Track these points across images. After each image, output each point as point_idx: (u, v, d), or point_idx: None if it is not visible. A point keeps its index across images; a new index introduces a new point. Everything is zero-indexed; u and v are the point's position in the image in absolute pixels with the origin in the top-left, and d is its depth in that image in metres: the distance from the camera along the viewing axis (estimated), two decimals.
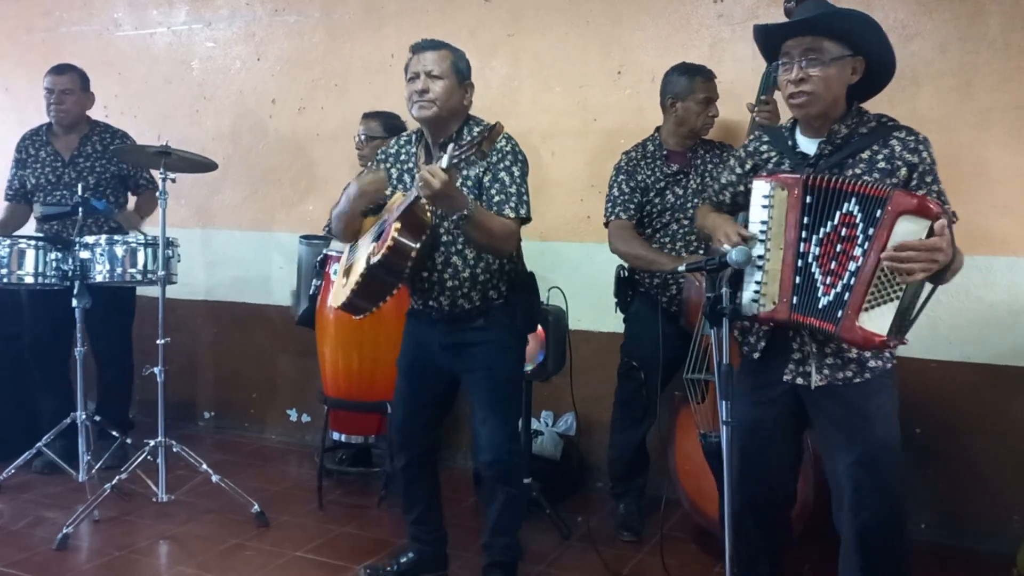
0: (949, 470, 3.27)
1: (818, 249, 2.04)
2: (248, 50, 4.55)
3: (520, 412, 2.90)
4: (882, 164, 2.08)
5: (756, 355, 2.25)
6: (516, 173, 2.53)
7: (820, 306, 2.02)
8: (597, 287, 3.56)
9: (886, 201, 1.93)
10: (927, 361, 3.24)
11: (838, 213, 2.01)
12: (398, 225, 2.36)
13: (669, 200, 3.19)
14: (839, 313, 1.98)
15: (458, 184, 2.44)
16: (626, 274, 3.28)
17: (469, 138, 2.31)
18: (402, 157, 2.70)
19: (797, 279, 2.05)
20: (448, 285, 2.57)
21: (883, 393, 2.14)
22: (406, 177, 2.66)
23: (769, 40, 2.18)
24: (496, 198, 2.51)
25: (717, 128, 3.33)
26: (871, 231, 1.95)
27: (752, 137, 2.39)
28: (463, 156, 2.23)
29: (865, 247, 1.96)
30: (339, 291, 2.60)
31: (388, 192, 2.65)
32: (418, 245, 2.40)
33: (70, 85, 3.95)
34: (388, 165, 2.70)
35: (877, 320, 1.95)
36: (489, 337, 2.61)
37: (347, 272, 2.62)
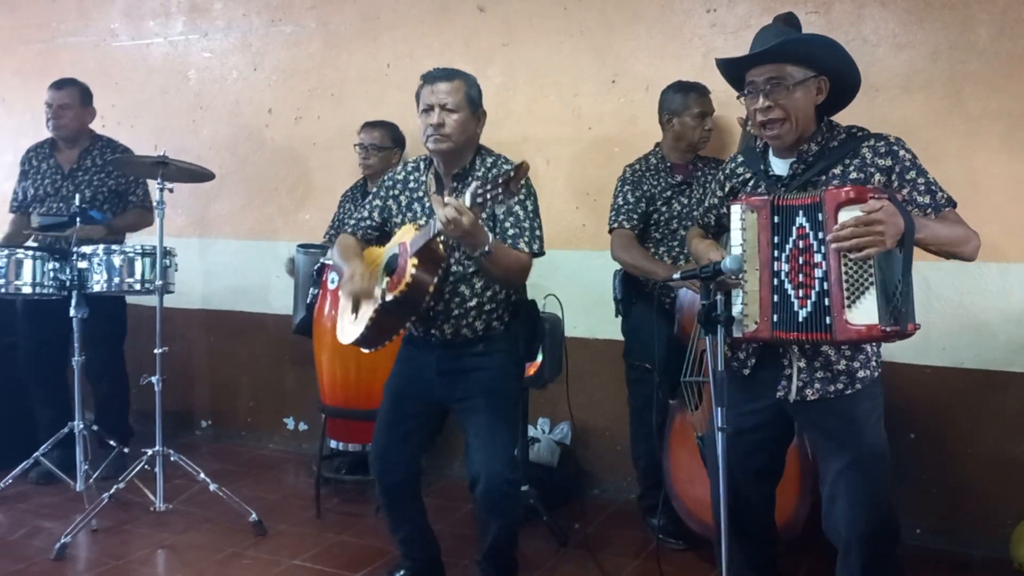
0: (943, 475, 3.29)
1: (787, 266, 2.07)
2: (244, 60, 4.57)
3: (519, 439, 2.85)
4: (854, 175, 2.11)
5: (746, 371, 2.27)
6: (530, 207, 2.53)
7: (800, 320, 2.04)
8: (593, 294, 3.58)
9: (822, 202, 1.99)
10: (920, 367, 3.26)
11: (794, 228, 2.06)
12: (415, 261, 2.33)
13: (676, 209, 3.27)
14: (827, 320, 1.99)
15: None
16: (629, 277, 3.30)
17: (493, 176, 2.24)
18: (411, 185, 2.67)
19: (775, 297, 2.08)
20: (454, 314, 2.55)
21: (870, 400, 2.17)
22: (415, 206, 2.63)
23: (734, 70, 2.21)
24: (511, 231, 2.50)
25: (713, 138, 3.36)
26: (820, 235, 2.00)
27: (729, 159, 2.44)
28: (490, 195, 2.15)
29: (823, 251, 2.00)
30: (349, 327, 2.57)
31: (397, 221, 2.63)
32: (435, 280, 2.37)
33: (68, 100, 3.97)
34: (396, 192, 2.68)
35: (864, 311, 1.95)
36: (489, 363, 2.58)
37: (355, 307, 2.57)
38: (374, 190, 2.77)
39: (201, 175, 3.60)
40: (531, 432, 3.78)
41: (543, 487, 3.48)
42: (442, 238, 2.34)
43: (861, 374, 2.15)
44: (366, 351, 2.59)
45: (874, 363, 2.18)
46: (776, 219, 2.09)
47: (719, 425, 2.13)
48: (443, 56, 3.94)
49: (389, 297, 2.37)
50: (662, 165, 3.32)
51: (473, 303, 2.54)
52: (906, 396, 3.20)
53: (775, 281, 2.08)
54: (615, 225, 3.28)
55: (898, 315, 1.96)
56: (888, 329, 1.95)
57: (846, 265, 1.96)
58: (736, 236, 2.14)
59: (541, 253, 2.55)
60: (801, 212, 2.05)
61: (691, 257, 2.52)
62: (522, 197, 2.52)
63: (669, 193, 3.28)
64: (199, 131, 4.68)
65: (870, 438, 2.14)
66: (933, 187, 2.11)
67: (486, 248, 2.30)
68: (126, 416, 4.11)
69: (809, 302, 2.03)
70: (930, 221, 2.04)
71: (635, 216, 3.25)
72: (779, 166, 2.23)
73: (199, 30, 4.68)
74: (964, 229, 2.10)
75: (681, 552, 3.18)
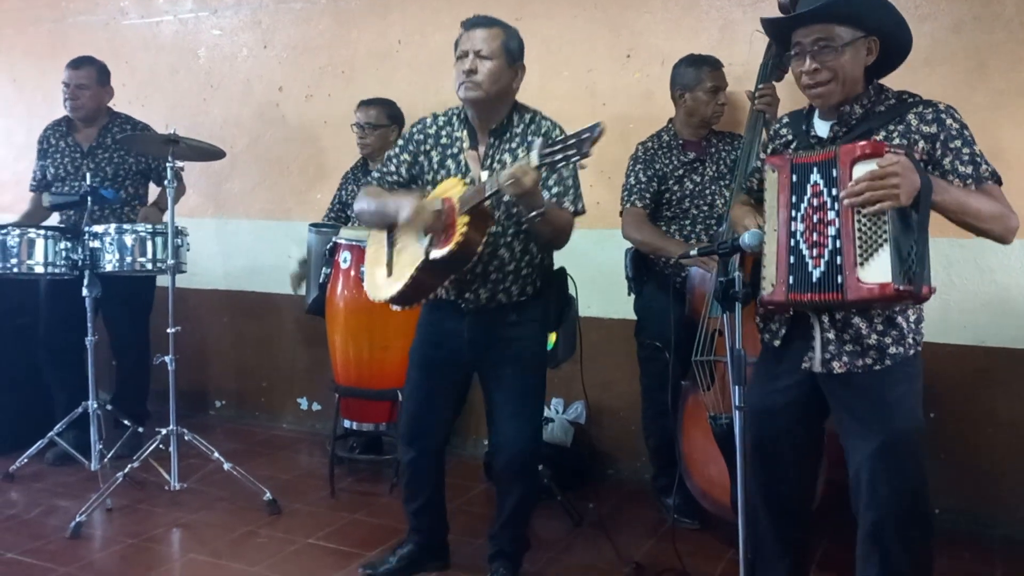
0: (962, 455, 3.25)
1: (802, 225, 2.02)
2: (255, 38, 4.53)
3: (543, 408, 2.84)
4: (897, 141, 2.03)
5: (777, 343, 2.21)
6: (572, 166, 2.45)
7: (814, 280, 1.99)
8: (607, 274, 3.55)
9: (837, 157, 1.94)
10: (941, 345, 3.20)
11: (808, 187, 2.02)
12: (467, 219, 2.26)
13: (688, 187, 3.22)
14: (839, 279, 1.94)
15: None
16: (641, 256, 3.27)
17: (564, 137, 2.13)
18: (443, 140, 2.56)
19: (791, 259, 2.03)
20: (492, 278, 2.49)
21: (904, 382, 2.08)
22: (450, 163, 2.54)
23: (779, 31, 2.15)
24: (555, 190, 2.43)
25: (729, 112, 3.30)
26: (835, 191, 1.95)
27: (777, 121, 2.37)
28: (560, 157, 2.07)
29: (836, 208, 1.95)
30: (383, 284, 2.49)
31: (429, 178, 2.55)
32: (485, 239, 2.31)
33: (86, 80, 3.94)
34: (428, 147, 2.58)
35: (876, 269, 1.90)
36: (522, 333, 2.55)
37: (389, 264, 2.50)
38: (400, 143, 2.65)
39: (212, 153, 3.58)
40: (545, 412, 3.75)
41: (557, 467, 3.47)
42: (506, 197, 2.26)
43: (893, 350, 2.06)
44: (396, 308, 2.53)
45: (910, 340, 2.08)
46: (794, 178, 2.04)
47: (737, 404, 2.11)
48: (454, 33, 3.82)
49: (436, 255, 2.29)
50: (674, 143, 3.26)
51: (511, 267, 2.49)
52: (927, 374, 3.12)
53: (791, 242, 2.03)
54: (627, 204, 3.25)
55: (912, 275, 1.90)
56: (902, 288, 1.88)
57: (859, 222, 1.91)
58: (765, 196, 2.11)
59: (583, 212, 2.50)
60: (816, 169, 2.00)
61: (730, 222, 2.46)
62: None
63: (681, 172, 3.23)
64: (210, 110, 4.65)
65: (901, 422, 2.06)
66: (978, 159, 2.03)
67: (542, 208, 2.24)
68: (144, 397, 4.10)
69: (823, 261, 1.98)
70: (955, 188, 1.97)
71: (647, 195, 3.21)
72: (821, 128, 2.16)
73: (208, 7, 4.64)
74: (999, 206, 2.00)
75: (696, 532, 3.16)
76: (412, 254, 2.40)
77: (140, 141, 3.78)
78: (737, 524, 2.16)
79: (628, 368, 3.61)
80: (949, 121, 2.03)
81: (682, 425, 3.13)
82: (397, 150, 2.64)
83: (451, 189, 2.39)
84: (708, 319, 2.93)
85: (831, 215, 1.96)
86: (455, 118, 2.59)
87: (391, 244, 2.55)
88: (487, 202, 2.29)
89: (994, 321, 3.19)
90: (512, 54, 2.48)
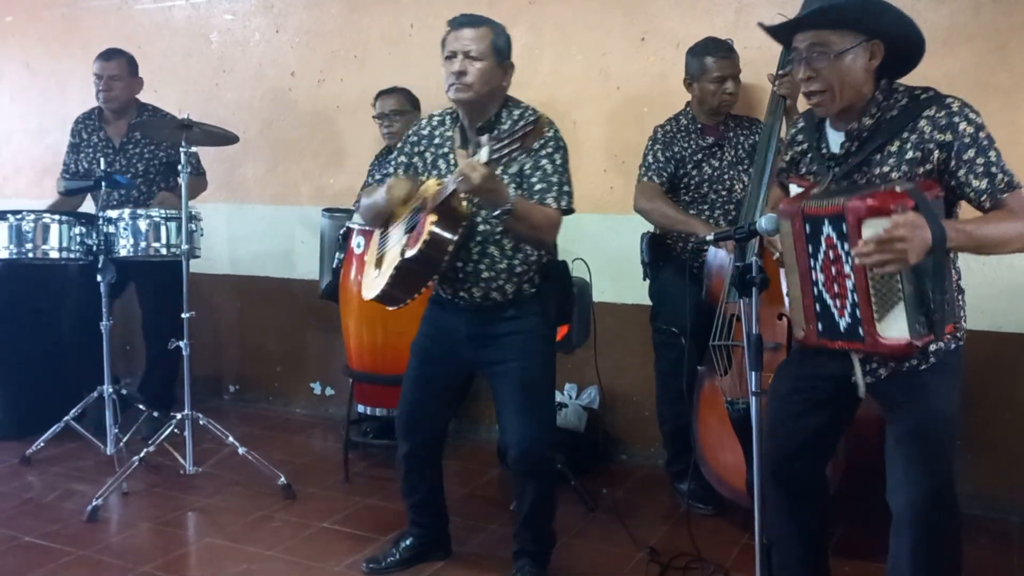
0: (978, 442, 3.22)
1: (822, 276, 1.99)
2: (267, 22, 4.52)
3: (554, 402, 2.79)
4: (911, 154, 1.95)
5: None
6: (558, 161, 2.43)
7: (841, 329, 1.97)
8: (621, 259, 3.53)
9: (844, 214, 1.88)
10: None
11: (823, 238, 1.96)
12: (434, 218, 2.26)
13: (706, 172, 3.19)
14: (860, 331, 1.93)
15: (499, 174, 2.31)
16: (657, 240, 3.25)
17: (510, 130, 2.17)
18: (436, 140, 2.57)
19: (817, 307, 2.01)
20: (483, 276, 2.47)
21: (943, 373, 2.05)
22: (440, 163, 2.54)
23: (781, 36, 2.07)
24: (537, 186, 2.40)
25: (742, 95, 3.27)
26: (846, 246, 1.90)
27: (793, 123, 2.29)
28: (506, 152, 2.08)
29: (850, 262, 1.90)
30: (372, 282, 2.52)
31: (423, 179, 2.54)
32: (456, 237, 2.29)
33: (118, 71, 3.95)
34: (421, 148, 2.59)
35: (894, 325, 1.88)
36: (521, 327, 2.51)
37: (379, 263, 2.53)
38: (399, 146, 2.68)
39: (225, 138, 3.58)
40: (558, 397, 3.75)
41: (571, 452, 3.47)
42: (464, 195, 2.26)
43: (933, 347, 2.01)
44: (390, 308, 2.53)
45: (948, 336, 2.02)
46: (807, 228, 1.99)
47: (753, 390, 2.10)
48: None
49: (408, 254, 2.30)
50: (692, 126, 3.23)
51: (503, 265, 2.47)
52: None
53: (815, 291, 2.01)
54: (643, 178, 3.22)
55: (933, 322, 1.87)
56: (920, 343, 1.88)
57: (872, 279, 1.88)
58: (783, 242, 2.08)
59: (571, 210, 2.46)
60: (827, 221, 1.94)
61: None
62: (550, 150, 2.43)
63: (700, 156, 3.20)
64: (223, 95, 4.64)
65: (936, 405, 2.03)
66: (993, 168, 1.92)
67: (507, 205, 2.23)
68: (170, 382, 4.08)
69: (846, 312, 1.95)
70: (969, 223, 1.89)
71: (664, 174, 3.18)
72: (834, 139, 2.08)
73: None
74: (1016, 223, 1.90)
75: (710, 517, 3.15)
76: (394, 254, 2.41)
77: (154, 126, 3.78)
78: (752, 509, 2.15)
79: (642, 353, 3.60)
80: (963, 126, 1.92)
81: (698, 410, 3.12)
82: (396, 154, 2.66)
83: (428, 190, 2.40)
84: (725, 303, 2.91)
85: (847, 268, 1.92)
86: (448, 117, 2.59)
87: (381, 245, 2.57)
88: (459, 200, 2.29)
89: (1011, 307, 3.16)
90: (501, 53, 2.46)
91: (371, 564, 2.78)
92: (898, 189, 1.85)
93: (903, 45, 1.97)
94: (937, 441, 2.04)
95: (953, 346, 2.06)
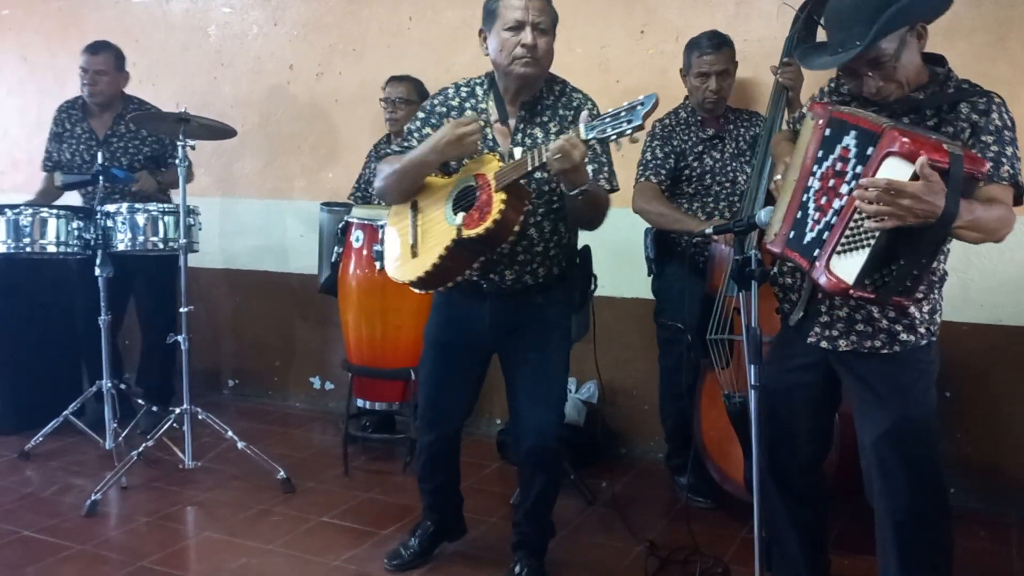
0: (979, 435, 3.23)
1: (818, 183, 1.93)
2: (265, 15, 4.50)
3: (566, 395, 2.77)
4: (945, 128, 1.95)
5: (800, 314, 2.14)
6: (605, 142, 2.35)
7: (804, 241, 1.92)
8: (619, 252, 3.52)
9: (879, 137, 1.79)
10: (957, 324, 3.17)
11: (838, 146, 1.90)
12: (504, 196, 2.15)
13: (708, 164, 3.18)
14: (815, 252, 1.88)
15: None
16: (662, 236, 3.23)
17: (617, 109, 2.03)
18: (468, 113, 2.40)
19: (799, 213, 1.96)
20: (519, 259, 2.37)
21: (916, 370, 2.04)
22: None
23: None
24: (591, 166, 2.29)
25: (741, 88, 3.25)
26: (859, 168, 1.83)
27: (831, 80, 2.22)
28: (614, 131, 1.99)
29: (852, 185, 1.83)
30: (408, 263, 2.35)
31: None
32: (521, 219, 2.19)
33: (104, 66, 3.93)
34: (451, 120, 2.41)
35: (847, 265, 1.81)
36: (548, 315, 2.45)
37: (414, 243, 2.35)
38: (421, 115, 2.46)
39: (223, 132, 3.57)
40: None
41: (570, 446, 3.44)
42: (537, 174, 2.17)
43: (902, 337, 2.02)
44: (418, 292, 2.42)
45: (922, 331, 2.03)
46: (828, 131, 1.93)
47: (752, 383, 2.09)
48: (466, 8, 3.85)
49: (470, 234, 2.16)
50: (692, 119, 3.22)
51: (540, 247, 2.38)
52: (942, 354, 3.11)
53: (804, 196, 1.96)
54: (641, 179, 3.20)
55: (879, 286, 1.81)
56: (856, 295, 1.81)
57: (857, 213, 1.79)
58: (799, 141, 2.03)
59: (618, 189, 2.43)
60: (852, 133, 1.87)
61: (772, 155, 2.39)
62: None
63: (701, 148, 3.19)
64: (221, 88, 4.62)
65: (914, 409, 2.02)
66: (1003, 158, 1.91)
67: (585, 186, 2.15)
68: (170, 376, 4.06)
69: (817, 228, 1.90)
70: (979, 207, 1.83)
71: (663, 171, 3.17)
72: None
73: None
74: (1005, 211, 1.89)
75: (709, 511, 3.15)
76: (441, 232, 2.27)
77: (152, 119, 3.77)
78: (751, 503, 2.15)
79: (641, 348, 3.60)
80: (994, 114, 1.92)
81: (699, 404, 3.12)
82: (419, 123, 2.45)
83: (485, 164, 2.27)
84: (724, 296, 2.90)
85: (844, 188, 1.85)
86: (478, 87, 2.45)
87: (415, 222, 2.39)
88: (524, 179, 2.20)
89: (1012, 300, 3.16)
90: (555, 26, 2.39)
91: (394, 561, 2.72)
92: (946, 147, 1.75)
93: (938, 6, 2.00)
94: (916, 444, 2.02)
95: (924, 343, 2.04)
